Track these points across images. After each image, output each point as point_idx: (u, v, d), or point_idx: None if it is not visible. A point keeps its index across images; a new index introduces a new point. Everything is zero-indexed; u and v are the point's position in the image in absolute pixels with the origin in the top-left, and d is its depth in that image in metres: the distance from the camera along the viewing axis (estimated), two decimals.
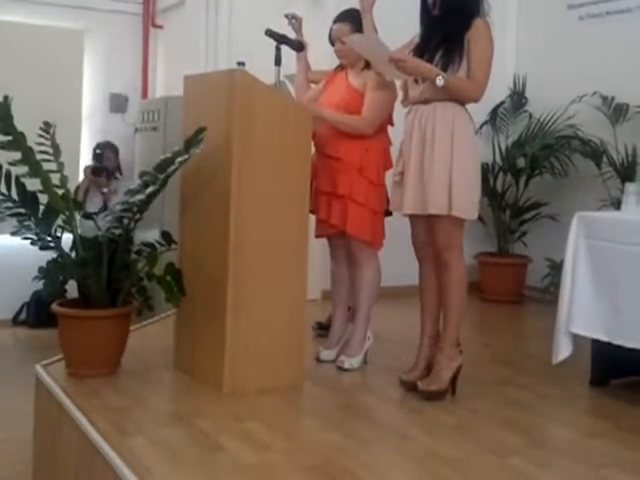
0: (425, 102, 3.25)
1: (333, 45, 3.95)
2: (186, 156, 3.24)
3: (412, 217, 3.36)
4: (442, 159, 3.17)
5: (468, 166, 3.21)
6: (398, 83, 3.54)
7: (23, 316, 7.41)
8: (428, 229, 3.29)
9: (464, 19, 3.20)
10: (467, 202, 3.20)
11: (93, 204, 6.63)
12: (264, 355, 3.31)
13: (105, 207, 6.21)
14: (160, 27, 8.45)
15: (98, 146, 7.45)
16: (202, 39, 7.57)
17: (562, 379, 3.56)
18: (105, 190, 6.99)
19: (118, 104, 8.26)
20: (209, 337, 3.35)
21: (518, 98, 6.10)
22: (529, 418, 3.10)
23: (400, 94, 3.54)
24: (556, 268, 5.25)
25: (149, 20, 8.40)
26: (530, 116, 5.97)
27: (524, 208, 5.88)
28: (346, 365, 3.68)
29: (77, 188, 6.67)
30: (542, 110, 5.76)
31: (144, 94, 8.45)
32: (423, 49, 3.27)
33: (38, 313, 7.12)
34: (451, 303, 3.26)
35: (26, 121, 3.31)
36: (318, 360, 3.79)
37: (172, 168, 3.27)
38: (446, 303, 3.29)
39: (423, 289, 3.41)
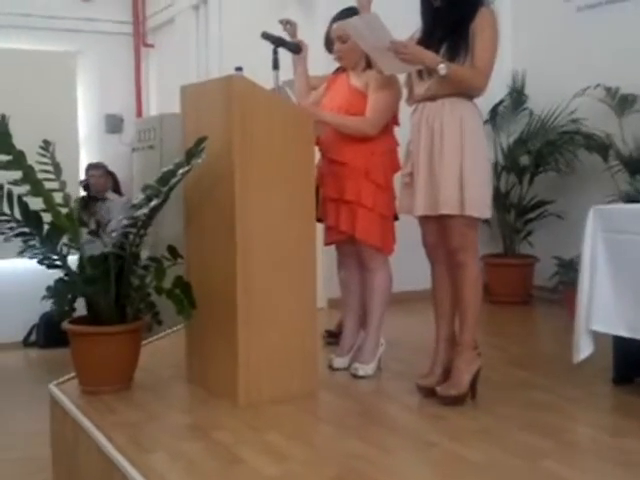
0: (432, 99, 3.17)
1: (328, 49, 3.90)
2: (188, 167, 3.22)
3: (423, 218, 3.27)
4: (452, 157, 3.09)
5: (479, 163, 3.12)
6: (402, 78, 3.46)
7: (33, 337, 7.75)
8: (440, 230, 3.21)
9: (468, 9, 3.10)
10: (480, 200, 3.11)
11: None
12: (278, 365, 3.26)
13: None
14: (151, 46, 8.64)
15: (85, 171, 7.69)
16: (193, 54, 7.75)
17: (583, 379, 3.47)
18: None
19: (114, 125, 8.46)
20: (221, 349, 3.30)
21: (518, 95, 6.03)
22: (554, 420, 3.00)
23: (405, 92, 3.46)
24: (565, 266, 5.20)
25: (140, 40, 8.60)
26: (531, 113, 5.89)
27: (529, 207, 5.81)
28: (360, 372, 3.62)
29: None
30: (543, 107, 5.67)
31: (139, 113, 8.61)
32: (426, 43, 3.15)
33: (47, 334, 7.40)
34: (467, 305, 3.18)
35: (24, 145, 3.29)
36: (331, 368, 3.73)
37: (174, 180, 3.25)
38: (462, 305, 3.20)
39: (436, 292, 3.33)
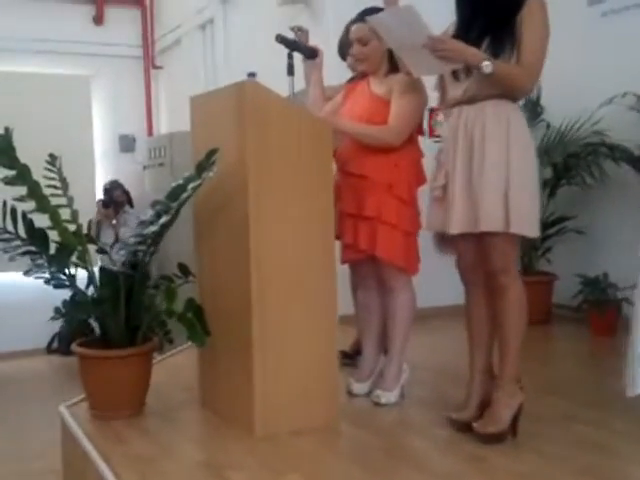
0: (470, 101, 2.84)
1: (342, 56, 3.70)
2: (199, 181, 3.04)
3: (459, 237, 2.93)
4: (496, 166, 2.76)
5: (528, 173, 2.80)
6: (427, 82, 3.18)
7: (55, 344, 8.29)
8: (478, 249, 2.90)
9: None
10: (528, 216, 2.80)
11: (106, 235, 7.43)
12: (296, 393, 3.04)
13: (117, 238, 6.86)
14: (160, 68, 9.22)
15: (106, 184, 8.38)
16: (201, 72, 8.04)
17: (634, 411, 3.11)
18: (114, 222, 7.81)
19: (127, 144, 9.16)
20: (236, 375, 3.08)
21: (533, 107, 5.75)
22: (611, 462, 2.66)
23: (434, 96, 3.18)
24: (589, 284, 4.95)
25: (149, 62, 9.21)
26: (548, 125, 5.62)
27: (548, 223, 5.53)
28: (383, 400, 3.36)
29: (89, 222, 7.05)
30: (561, 118, 5.40)
31: (149, 132, 9.24)
32: (463, 39, 2.80)
33: (69, 342, 7.86)
34: (510, 333, 2.85)
35: (43, 165, 3.27)
36: (350, 394, 3.48)
37: (185, 195, 3.07)
38: (503, 333, 2.88)
39: (472, 318, 3.02)
